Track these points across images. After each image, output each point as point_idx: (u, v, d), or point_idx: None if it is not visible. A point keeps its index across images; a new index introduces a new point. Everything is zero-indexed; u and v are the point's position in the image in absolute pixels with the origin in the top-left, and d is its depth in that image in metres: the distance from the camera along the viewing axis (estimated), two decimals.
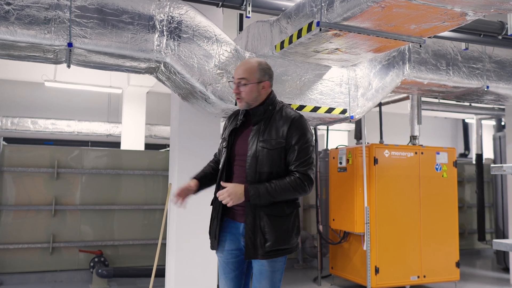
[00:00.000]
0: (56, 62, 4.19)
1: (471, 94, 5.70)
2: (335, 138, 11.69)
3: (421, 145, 6.47)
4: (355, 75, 4.78)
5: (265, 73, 2.75)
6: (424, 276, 6.15)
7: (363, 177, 5.91)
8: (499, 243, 3.34)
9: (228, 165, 2.79)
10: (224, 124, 3.00)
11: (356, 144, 6.69)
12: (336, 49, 3.82)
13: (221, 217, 2.78)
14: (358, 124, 6.79)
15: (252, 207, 2.61)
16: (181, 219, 4.77)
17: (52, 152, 6.90)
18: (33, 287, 6.32)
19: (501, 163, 8.00)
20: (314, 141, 2.81)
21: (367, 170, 5.95)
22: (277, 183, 2.58)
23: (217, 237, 2.79)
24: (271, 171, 2.63)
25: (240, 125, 2.81)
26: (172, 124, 5.20)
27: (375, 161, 6.02)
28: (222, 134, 2.95)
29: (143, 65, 4.18)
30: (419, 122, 6.60)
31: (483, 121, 9.56)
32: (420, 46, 3.98)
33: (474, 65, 5.34)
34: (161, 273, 5.54)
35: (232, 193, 2.57)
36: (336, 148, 6.75)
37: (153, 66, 4.21)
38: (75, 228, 6.86)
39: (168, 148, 8.83)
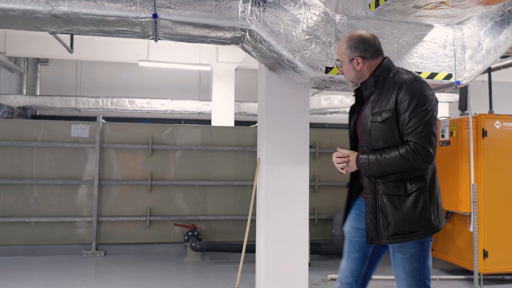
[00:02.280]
0: (144, 36, 4.18)
1: None
2: None
3: None
4: (461, 35, 4.22)
5: (356, 48, 2.58)
6: None
7: (470, 152, 5.31)
8: None
9: (355, 144, 2.74)
10: None
11: (461, 115, 6.05)
12: (441, 2, 3.34)
13: (354, 195, 2.72)
14: (463, 92, 6.11)
15: (372, 184, 2.46)
16: (270, 195, 4.63)
17: (147, 130, 7.12)
18: (133, 257, 6.63)
19: None
20: (434, 106, 2.40)
21: (474, 143, 5.33)
22: (388, 152, 2.39)
23: (345, 214, 2.75)
24: (386, 145, 2.43)
25: (359, 101, 2.72)
26: (260, 97, 5.03)
27: (484, 133, 5.37)
28: None
29: (228, 34, 4.02)
30: None
31: None
32: None
33: None
34: (252, 249, 5.49)
35: (344, 160, 2.54)
36: (438, 119, 6.15)
37: (238, 35, 4.04)
38: (170, 203, 7.07)
39: (256, 124, 8.75)
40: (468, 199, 5.35)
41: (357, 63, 2.58)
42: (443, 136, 5.80)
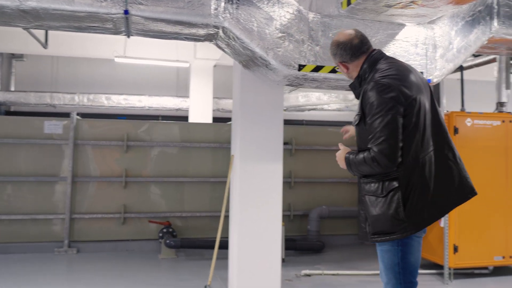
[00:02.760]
0: (116, 32, 4.13)
1: None
2: None
3: (510, 112, 5.80)
4: (433, 34, 4.29)
5: (334, 55, 2.67)
6: (511, 257, 5.59)
7: None
8: None
9: None
10: None
11: None
12: (412, 1, 3.39)
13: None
14: (436, 90, 6.21)
15: (360, 184, 2.57)
16: (244, 192, 4.63)
17: (122, 126, 7.06)
18: (106, 255, 6.57)
19: None
20: (391, 109, 2.36)
21: None
22: (358, 155, 2.49)
23: None
24: (364, 148, 2.48)
25: None
26: (234, 94, 5.03)
27: (456, 130, 5.48)
28: None
29: (201, 31, 4.01)
30: (508, 87, 5.91)
31: None
32: None
33: None
34: (226, 245, 5.49)
35: (338, 157, 2.61)
36: None
37: (212, 32, 4.02)
38: (146, 200, 7.02)
39: None
40: None
41: (342, 66, 2.67)
42: None
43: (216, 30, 3.98)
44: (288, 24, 3.98)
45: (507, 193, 5.58)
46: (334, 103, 9.91)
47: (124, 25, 3.92)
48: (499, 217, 5.58)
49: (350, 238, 7.75)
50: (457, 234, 5.43)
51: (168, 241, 6.36)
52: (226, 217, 5.22)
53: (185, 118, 11.14)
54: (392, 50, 4.18)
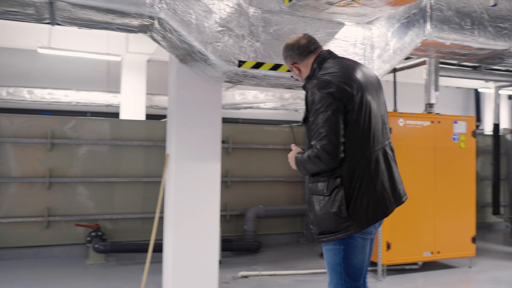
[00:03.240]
0: (39, 19, 3.76)
1: (495, 57, 5.23)
2: None
3: (438, 113, 6.04)
4: (371, 35, 4.32)
5: (286, 58, 2.72)
6: (438, 252, 5.82)
7: None
8: None
9: None
10: None
11: None
12: (353, 0, 3.37)
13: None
14: None
15: (308, 184, 2.59)
16: (179, 192, 4.42)
17: (46, 122, 6.54)
18: (28, 262, 6.06)
19: None
20: (330, 105, 2.36)
21: None
22: (304, 153, 2.50)
23: None
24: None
25: None
26: (170, 90, 4.79)
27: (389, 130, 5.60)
28: None
29: (135, 22, 3.74)
30: (437, 89, 6.14)
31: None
32: None
33: (501, 24, 4.85)
34: (159, 248, 5.25)
35: (290, 157, 2.62)
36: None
37: (147, 23, 3.77)
38: (72, 202, 6.56)
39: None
40: None
41: (296, 68, 2.70)
42: None
43: (151, 21, 3.73)
44: (228, 18, 3.82)
45: (435, 191, 5.80)
46: (270, 101, 9.90)
47: (48, 12, 3.57)
48: (428, 215, 5.78)
49: (286, 237, 7.76)
50: (390, 231, 5.56)
51: (96, 246, 5.98)
52: (161, 219, 4.97)
53: (116, 115, 10.64)
54: (332, 49, 4.14)
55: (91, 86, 11.80)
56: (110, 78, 12.26)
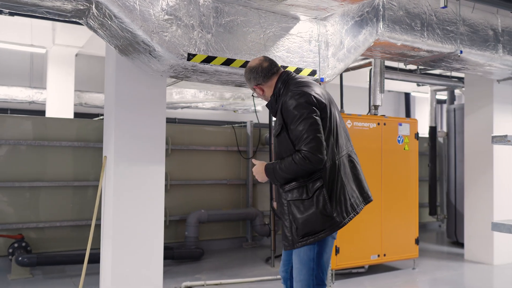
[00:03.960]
0: None
1: (440, 61, 5.28)
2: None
3: (384, 115, 6.02)
4: (325, 31, 4.14)
5: (249, 80, 2.86)
6: (385, 255, 5.79)
7: None
8: (499, 225, 2.91)
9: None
10: None
11: None
12: None
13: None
14: None
15: (280, 194, 2.70)
16: (119, 197, 4.00)
17: None
18: None
19: (455, 136, 7.82)
20: (312, 112, 2.57)
21: None
22: (286, 159, 2.60)
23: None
24: (286, 155, 2.63)
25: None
26: (107, 86, 4.32)
27: None
28: None
29: (68, 5, 3.28)
30: (382, 91, 6.13)
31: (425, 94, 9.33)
32: None
33: (448, 27, 4.88)
34: (95, 259, 4.75)
35: (256, 171, 2.75)
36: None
37: (82, 7, 3.32)
38: None
39: (102, 117, 7.84)
40: None
41: (260, 88, 2.84)
42: None
43: (87, 5, 3.29)
44: (176, 6, 3.46)
45: (382, 194, 5.77)
46: (210, 101, 9.53)
47: None
48: (375, 217, 5.74)
49: (229, 242, 7.46)
50: (338, 235, 5.43)
51: (20, 258, 5.31)
52: (97, 226, 4.49)
53: (41, 113, 9.77)
54: (287, 45, 3.92)
55: (11, 81, 10.75)
56: (34, 73, 11.25)
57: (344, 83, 6.46)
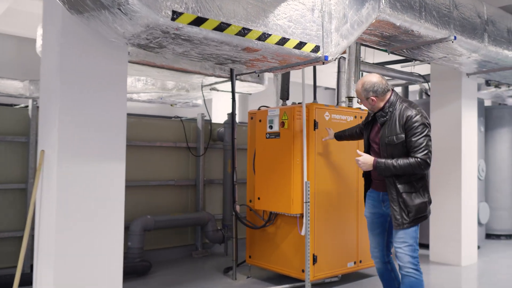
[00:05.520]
0: None
1: (426, 47, 4.84)
2: (223, 107, 10.28)
3: (360, 108, 5.48)
4: (329, 0, 3.45)
5: (368, 91, 3.51)
6: (360, 261, 5.25)
7: (303, 145, 4.70)
8: None
9: (368, 146, 3.77)
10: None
11: (282, 105, 5.44)
12: None
13: (367, 187, 3.85)
14: (285, 80, 5.54)
15: (393, 186, 3.43)
16: (64, 202, 3.02)
17: None
18: None
19: None
20: (429, 131, 3.43)
21: (306, 136, 4.74)
22: (401, 161, 3.38)
23: (364, 203, 3.89)
24: (399, 157, 3.42)
25: (373, 120, 3.72)
26: (46, 58, 3.26)
27: (315, 125, 4.84)
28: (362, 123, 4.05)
29: None
30: (356, 81, 5.58)
31: None
32: None
33: (444, 10, 4.43)
34: (26, 280, 3.67)
35: (364, 161, 3.54)
36: (259, 109, 5.40)
37: None
38: None
39: (24, 105, 6.50)
40: (300, 198, 4.72)
41: (372, 100, 3.52)
42: (271, 127, 5.04)
43: None
44: None
45: (358, 195, 5.22)
46: (149, 91, 8.43)
47: None
48: (351, 221, 5.17)
49: (177, 251, 6.53)
50: (316, 242, 4.79)
51: None
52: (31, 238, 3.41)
53: None
54: (288, 12, 3.17)
55: None
56: None
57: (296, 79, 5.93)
